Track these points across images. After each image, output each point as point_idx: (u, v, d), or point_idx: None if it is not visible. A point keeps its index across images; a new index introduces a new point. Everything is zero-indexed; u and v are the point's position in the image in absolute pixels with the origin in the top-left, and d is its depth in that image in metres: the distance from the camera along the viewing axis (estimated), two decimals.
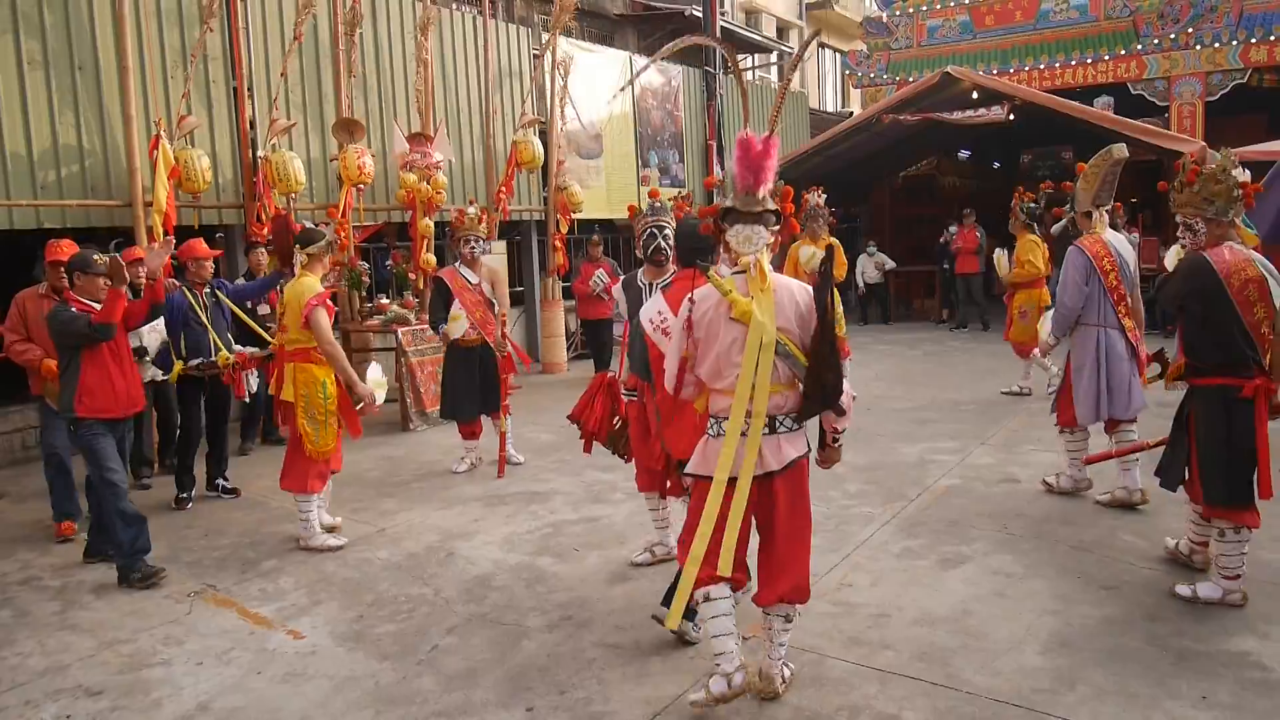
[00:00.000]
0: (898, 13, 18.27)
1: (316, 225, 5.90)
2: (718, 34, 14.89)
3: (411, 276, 9.17)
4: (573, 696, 3.49)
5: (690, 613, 3.61)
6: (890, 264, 15.65)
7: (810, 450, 3.37)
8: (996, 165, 20.32)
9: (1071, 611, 4.04)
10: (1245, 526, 4.00)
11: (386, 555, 5.08)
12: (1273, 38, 14.88)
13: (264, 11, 8.74)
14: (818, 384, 3.16)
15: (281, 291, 5.56)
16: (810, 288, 3.30)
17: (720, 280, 3.19)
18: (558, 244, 11.11)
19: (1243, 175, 4.17)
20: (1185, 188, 4.19)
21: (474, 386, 6.72)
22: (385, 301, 8.93)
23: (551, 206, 11.17)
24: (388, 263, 10.21)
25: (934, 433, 7.48)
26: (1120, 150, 5.60)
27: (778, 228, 3.34)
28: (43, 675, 3.83)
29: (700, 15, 15.39)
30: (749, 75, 21.72)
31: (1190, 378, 4.19)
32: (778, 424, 3.24)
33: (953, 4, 17.74)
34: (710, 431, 3.34)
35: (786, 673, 3.51)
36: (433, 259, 9.22)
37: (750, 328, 3.14)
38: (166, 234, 7.36)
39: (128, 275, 4.76)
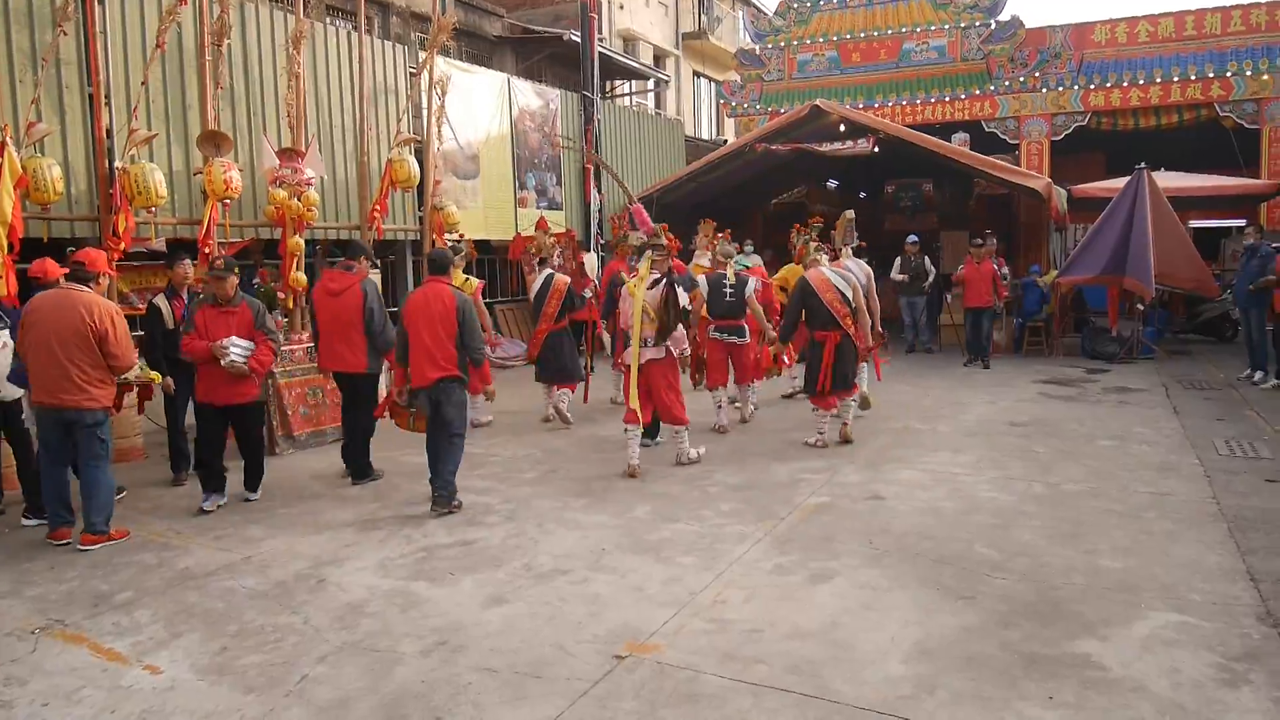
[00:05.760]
0: (770, 46, 18.93)
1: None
2: (595, 59, 15.08)
3: (280, 295, 8.86)
4: None
5: (651, 432, 7.88)
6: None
7: (668, 355, 7.15)
8: (863, 195, 21.25)
9: (932, 621, 4.25)
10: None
11: (253, 584, 4.89)
12: (1109, 85, 16.13)
13: (124, 17, 8.34)
14: (663, 326, 7.00)
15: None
16: (662, 283, 7.04)
17: (627, 277, 7.42)
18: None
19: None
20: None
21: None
22: None
23: (427, 226, 11.02)
24: (255, 280, 9.84)
25: (804, 453, 7.73)
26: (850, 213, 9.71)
27: (664, 253, 7.33)
28: None
29: (578, 40, 15.56)
30: (625, 101, 22.04)
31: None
32: (645, 342, 6.99)
33: (822, 40, 18.51)
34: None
35: (692, 454, 7.37)
36: (303, 277, 8.93)
37: (635, 298, 6.92)
38: (11, 246, 6.93)
39: None
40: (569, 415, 9.07)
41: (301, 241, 8.94)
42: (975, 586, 4.66)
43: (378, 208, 10.21)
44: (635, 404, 7.00)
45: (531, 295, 9.71)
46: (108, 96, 8.05)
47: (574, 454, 7.89)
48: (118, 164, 7.76)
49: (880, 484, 6.67)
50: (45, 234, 7.61)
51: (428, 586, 4.80)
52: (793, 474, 7.00)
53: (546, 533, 5.67)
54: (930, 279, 14.29)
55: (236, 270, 6.40)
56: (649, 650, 3.99)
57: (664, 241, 7.71)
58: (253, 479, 6.61)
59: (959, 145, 15.50)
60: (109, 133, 8.02)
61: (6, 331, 6.31)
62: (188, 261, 7.34)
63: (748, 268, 9.01)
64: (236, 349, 6.19)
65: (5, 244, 6.88)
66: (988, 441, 8.00)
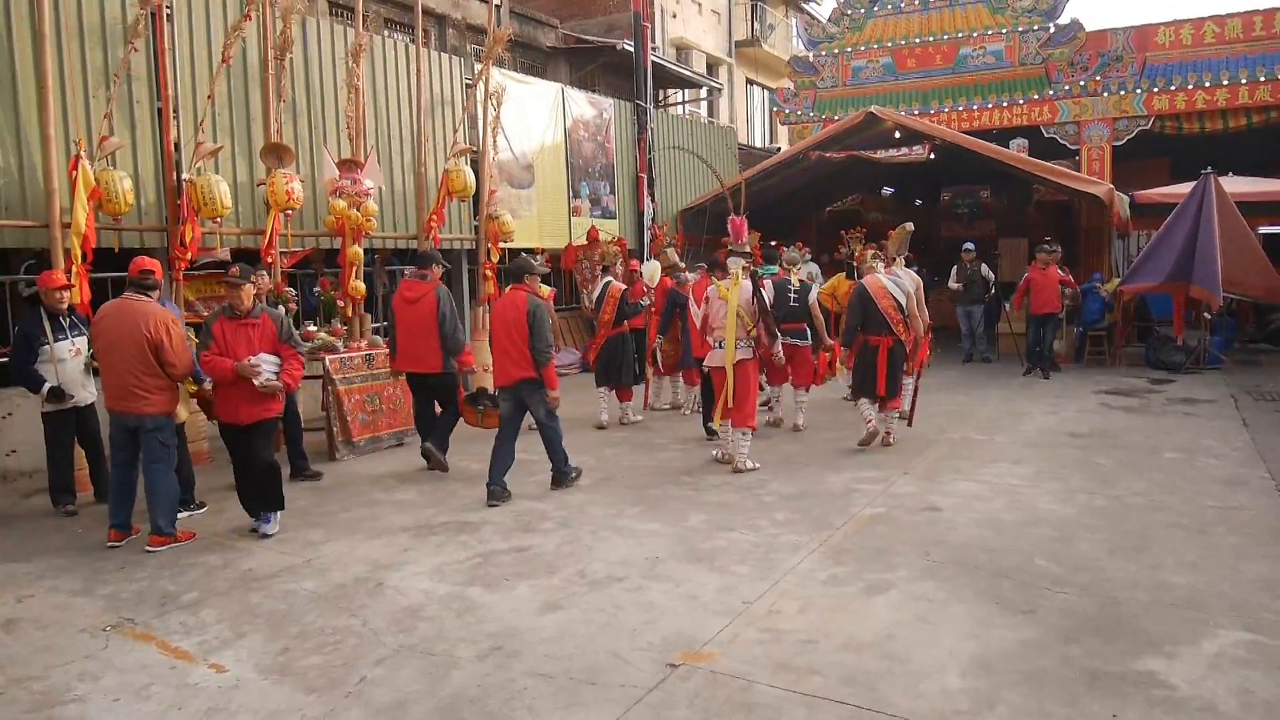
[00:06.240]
0: (824, 53, 18.81)
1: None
2: (648, 68, 15.15)
3: (340, 303, 9.05)
4: None
5: (710, 433, 8.34)
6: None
7: (753, 358, 7.49)
8: (919, 202, 21.01)
9: (990, 635, 4.18)
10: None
11: (313, 586, 4.99)
12: (1173, 88, 15.74)
13: (191, 33, 8.60)
14: (758, 329, 7.44)
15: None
16: (752, 286, 7.44)
17: (719, 282, 7.47)
18: (488, 273, 11.09)
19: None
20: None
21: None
22: (313, 329, 8.81)
23: (482, 235, 11.16)
24: (315, 289, 10.05)
25: (859, 463, 7.66)
26: (910, 226, 9.45)
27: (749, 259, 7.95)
28: None
29: (631, 49, 15.64)
30: (678, 109, 22.08)
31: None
32: (738, 344, 7.30)
33: (876, 46, 18.35)
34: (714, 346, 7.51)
35: (747, 464, 7.35)
36: (361, 286, 9.11)
37: (729, 303, 7.25)
38: (85, 256, 7.19)
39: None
40: (636, 417, 9.68)
41: (360, 251, 9.12)
42: (1035, 600, 4.58)
43: (434, 217, 10.37)
44: (731, 401, 7.33)
45: (591, 302, 10.10)
46: (176, 110, 8.32)
47: (628, 462, 7.92)
48: (185, 176, 8.01)
49: (937, 495, 6.58)
50: (116, 244, 7.88)
51: (483, 592, 4.86)
52: (847, 484, 6.94)
53: (600, 540, 5.69)
54: (990, 287, 14.07)
55: (254, 279, 6.00)
56: (703, 659, 3.99)
57: (749, 249, 8.18)
58: (268, 503, 5.98)
59: (1017, 151, 15.25)
60: (177, 146, 8.29)
61: (84, 339, 6.54)
62: (262, 272, 7.51)
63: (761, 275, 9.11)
64: (269, 366, 5.80)
65: (79, 254, 7.16)
66: (1048, 453, 7.85)
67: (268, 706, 3.68)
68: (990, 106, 17.08)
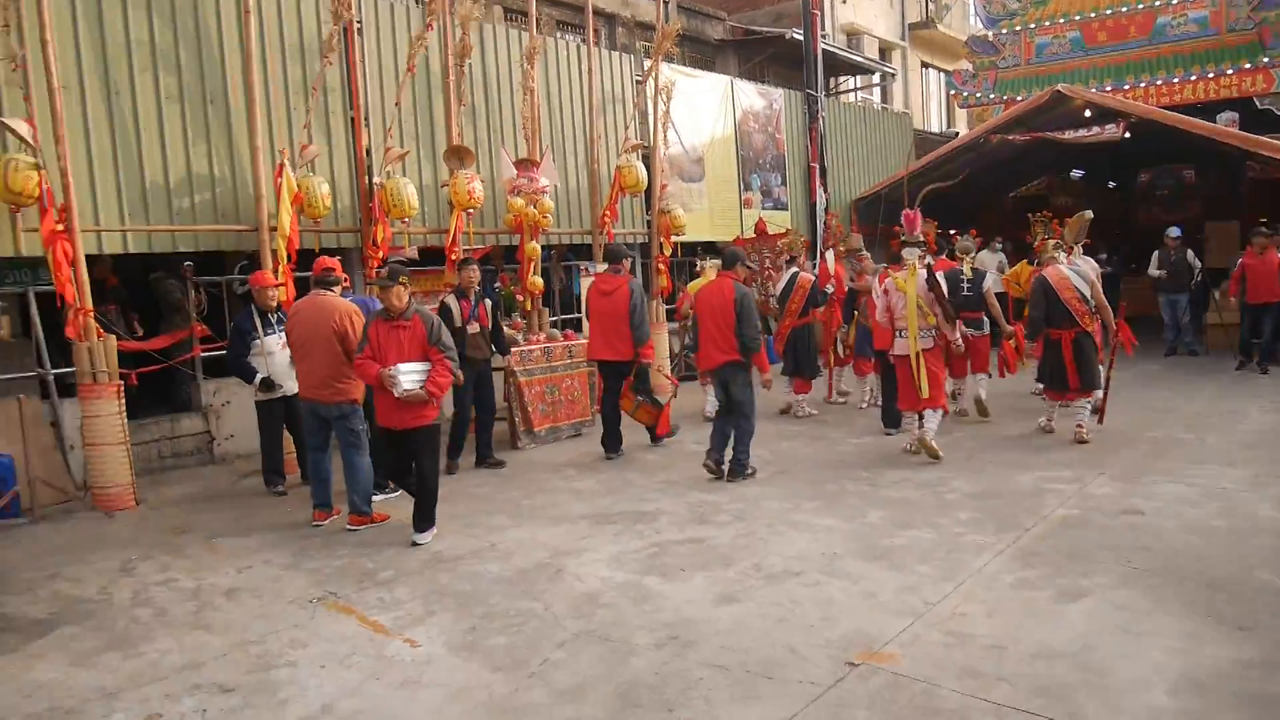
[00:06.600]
0: (1004, 31, 17.89)
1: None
2: (818, 56, 14.86)
3: (519, 298, 9.38)
4: (680, 715, 3.49)
5: (893, 423, 8.30)
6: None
7: (936, 345, 7.40)
8: (1112, 184, 19.63)
9: (1202, 651, 3.85)
10: None
11: (497, 570, 5.20)
12: None
13: (379, 45, 9.13)
14: (936, 318, 7.34)
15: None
16: (926, 277, 7.34)
17: (895, 274, 7.43)
18: (661, 266, 11.21)
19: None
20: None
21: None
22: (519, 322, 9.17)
23: (655, 230, 11.28)
24: (495, 285, 10.46)
25: (1048, 461, 7.25)
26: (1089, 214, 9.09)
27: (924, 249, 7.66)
28: (180, 671, 4.04)
29: (800, 38, 15.39)
30: (850, 97, 21.56)
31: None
32: (920, 334, 7.28)
33: (1062, 20, 17.29)
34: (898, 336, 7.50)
35: (934, 445, 7.25)
36: (539, 281, 9.42)
37: (908, 295, 7.26)
38: (290, 257, 7.76)
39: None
40: (810, 411, 9.55)
41: (538, 247, 9.42)
42: (1255, 617, 4.18)
43: (608, 213, 10.58)
44: (925, 391, 7.26)
45: (776, 292, 10.12)
46: (366, 119, 8.86)
47: (804, 455, 7.81)
48: (376, 179, 8.52)
49: (1138, 498, 6.13)
50: (316, 245, 8.45)
51: (659, 581, 4.91)
52: (1037, 483, 6.57)
53: (776, 534, 5.64)
54: (1196, 274, 12.97)
55: (404, 280, 5.64)
56: (884, 659, 3.88)
57: (922, 239, 8.02)
58: (422, 517, 5.74)
59: (1225, 125, 13.98)
60: (368, 151, 8.83)
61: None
62: (474, 267, 7.88)
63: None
64: (406, 377, 5.46)
65: (285, 254, 7.74)
66: (1268, 455, 7.15)
67: (457, 681, 3.85)
68: (1193, 79, 15.73)
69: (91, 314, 6.85)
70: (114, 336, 7.02)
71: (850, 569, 4.97)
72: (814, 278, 9.74)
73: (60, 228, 6.63)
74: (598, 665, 3.94)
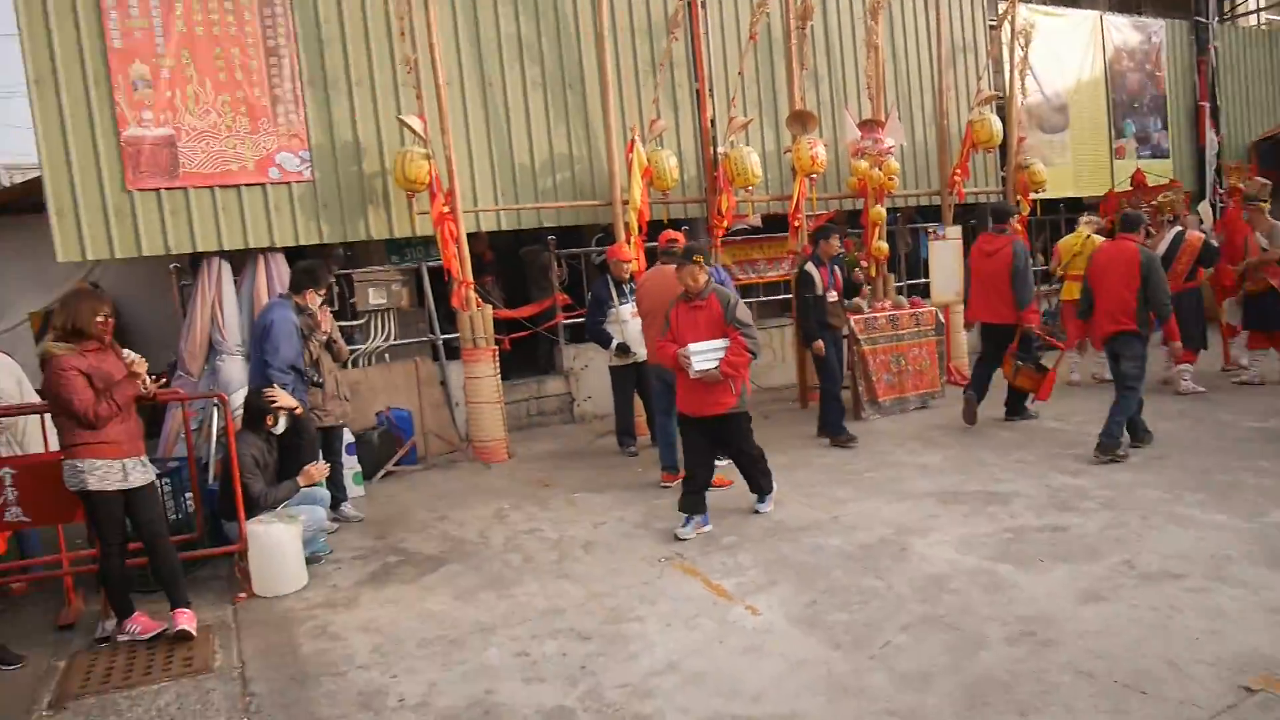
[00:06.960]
0: None
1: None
2: None
3: (864, 264, 9.13)
4: None
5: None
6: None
7: None
8: None
9: None
10: None
11: (839, 543, 5.12)
12: None
13: (721, 16, 9.26)
14: None
15: None
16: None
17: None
18: (1018, 227, 10.36)
19: None
20: None
21: None
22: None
23: (1010, 187, 10.45)
24: (840, 251, 10.27)
25: None
26: None
27: None
28: (544, 615, 4.44)
29: None
30: (1252, 19, 18.43)
31: None
32: None
33: None
34: None
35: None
36: (884, 246, 9.12)
37: None
38: (641, 229, 8.16)
39: None
40: (1196, 388, 8.42)
41: (883, 211, 9.11)
42: None
43: (958, 171, 9.98)
44: None
45: (1160, 253, 8.90)
46: (711, 90, 9.03)
47: (1188, 439, 6.84)
48: (720, 149, 8.68)
49: None
50: (665, 216, 8.80)
51: (1013, 570, 4.56)
52: None
53: (1152, 528, 5.01)
54: None
55: (698, 259, 5.44)
56: None
57: None
58: (756, 486, 5.79)
59: None
60: (712, 122, 9.01)
61: None
62: (836, 236, 7.84)
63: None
64: (699, 357, 5.32)
65: (636, 226, 8.15)
66: None
67: (797, 654, 3.85)
68: None
69: (472, 286, 7.67)
70: (490, 306, 7.82)
71: (1246, 576, 4.29)
72: (1202, 236, 8.58)
73: (446, 210, 7.48)
74: (944, 654, 3.75)
